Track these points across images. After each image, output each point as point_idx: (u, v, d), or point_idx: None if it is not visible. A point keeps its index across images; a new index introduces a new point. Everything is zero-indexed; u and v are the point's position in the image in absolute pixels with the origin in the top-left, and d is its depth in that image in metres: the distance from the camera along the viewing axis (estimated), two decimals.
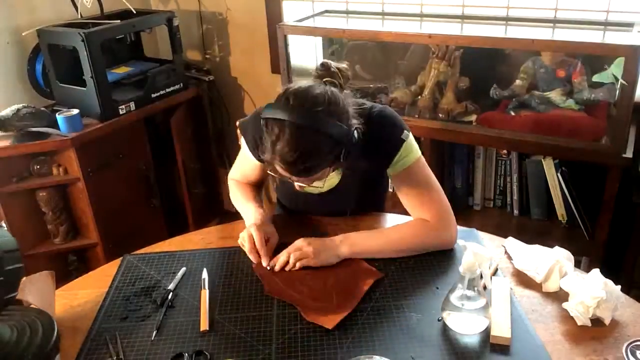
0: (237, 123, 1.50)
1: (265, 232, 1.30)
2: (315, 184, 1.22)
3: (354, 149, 1.17)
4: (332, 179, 1.34)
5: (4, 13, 2.20)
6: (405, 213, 1.36)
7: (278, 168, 1.16)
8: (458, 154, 2.07)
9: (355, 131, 1.15)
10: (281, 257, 1.26)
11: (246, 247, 1.29)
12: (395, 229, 1.32)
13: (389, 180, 1.46)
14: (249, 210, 1.41)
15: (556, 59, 1.85)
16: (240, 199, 1.48)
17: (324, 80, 1.24)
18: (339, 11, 2.36)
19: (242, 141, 1.44)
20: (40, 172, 2.13)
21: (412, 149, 1.30)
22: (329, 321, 1.08)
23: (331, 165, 1.17)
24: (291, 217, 1.53)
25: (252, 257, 1.28)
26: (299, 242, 1.27)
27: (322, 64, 1.28)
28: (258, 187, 1.56)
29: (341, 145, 1.13)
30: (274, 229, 1.34)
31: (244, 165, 1.50)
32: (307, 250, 1.25)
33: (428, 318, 1.09)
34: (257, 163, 1.43)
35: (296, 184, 1.23)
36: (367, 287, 1.17)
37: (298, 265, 1.24)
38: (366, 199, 1.47)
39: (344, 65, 1.30)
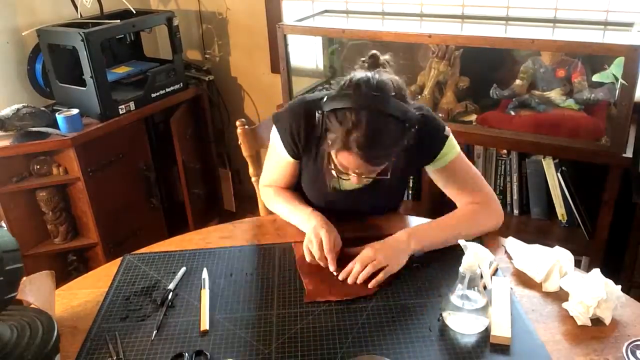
0: (273, 117, 1.40)
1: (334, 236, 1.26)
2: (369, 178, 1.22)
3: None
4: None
5: (4, 13, 2.21)
6: (419, 214, 1.39)
7: (345, 159, 1.15)
8: None
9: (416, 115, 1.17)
10: (355, 269, 1.19)
11: (315, 250, 1.23)
12: (451, 217, 1.32)
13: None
14: (303, 214, 1.35)
15: (556, 59, 1.85)
16: (287, 206, 1.40)
17: (376, 70, 1.23)
18: (339, 11, 2.36)
19: (275, 137, 1.38)
20: (40, 172, 2.13)
21: (453, 145, 1.32)
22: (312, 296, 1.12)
23: (399, 151, 1.17)
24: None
25: (319, 261, 1.23)
26: (369, 253, 1.20)
27: (372, 55, 1.27)
28: (294, 191, 1.48)
29: (411, 130, 1.15)
30: (337, 232, 1.28)
31: (277, 166, 1.43)
32: (382, 259, 1.19)
33: (428, 318, 1.09)
34: (291, 161, 1.38)
35: (354, 177, 1.20)
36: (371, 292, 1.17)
37: (380, 277, 1.17)
38: (392, 196, 1.46)
39: (387, 56, 1.30)
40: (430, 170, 1.35)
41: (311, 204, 1.43)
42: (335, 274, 1.21)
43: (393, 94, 1.13)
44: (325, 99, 1.17)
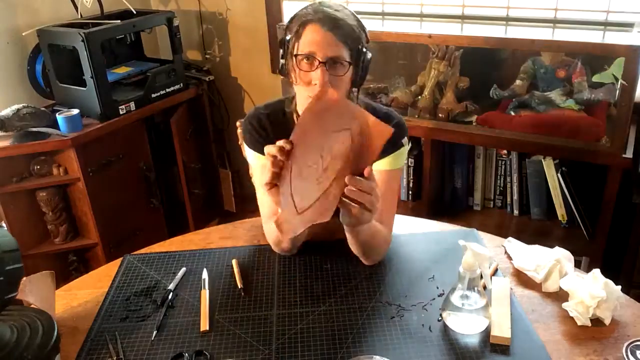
0: (240, 135, 1.40)
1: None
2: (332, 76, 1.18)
3: None
4: None
5: (4, 13, 2.21)
6: (419, 214, 1.40)
7: (307, 38, 1.18)
8: (458, 154, 2.07)
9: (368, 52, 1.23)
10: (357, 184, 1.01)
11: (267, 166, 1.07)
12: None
13: None
14: None
15: (556, 59, 1.85)
16: None
17: None
18: None
19: (250, 155, 1.34)
20: (40, 172, 2.13)
21: (403, 158, 1.31)
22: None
23: (354, 46, 1.19)
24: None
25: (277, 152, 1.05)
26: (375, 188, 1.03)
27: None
28: None
29: (361, 33, 1.22)
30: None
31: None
32: (372, 199, 1.03)
33: (428, 318, 1.09)
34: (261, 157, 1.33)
35: (314, 76, 1.16)
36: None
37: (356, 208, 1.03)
38: None
39: None
40: (372, 167, 1.27)
41: None
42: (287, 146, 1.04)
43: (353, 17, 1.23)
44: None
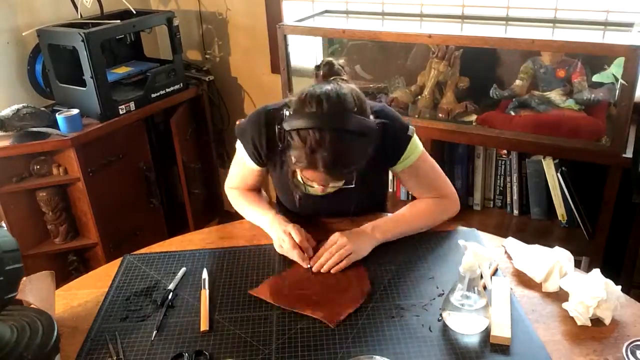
0: (235, 129, 1.44)
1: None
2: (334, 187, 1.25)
3: None
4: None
5: (4, 13, 2.21)
6: None
7: (311, 175, 1.17)
8: (458, 154, 2.07)
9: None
10: (322, 258, 1.24)
11: (286, 245, 1.26)
12: (411, 210, 1.38)
13: (389, 180, 1.47)
14: (266, 217, 1.37)
15: (556, 59, 1.85)
16: (252, 208, 1.43)
17: (333, 78, 1.23)
18: (339, 11, 2.36)
19: (239, 147, 1.42)
20: (40, 172, 2.13)
21: (416, 144, 1.35)
22: (333, 317, 1.09)
23: (365, 162, 1.19)
24: (294, 218, 1.50)
25: (294, 254, 1.24)
26: (335, 238, 1.26)
27: (327, 63, 1.28)
28: (258, 192, 1.54)
29: (372, 142, 1.17)
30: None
31: (242, 172, 1.47)
32: (349, 246, 1.23)
33: (428, 318, 1.09)
34: (255, 168, 1.42)
35: (319, 187, 1.23)
36: (366, 289, 1.17)
37: (344, 263, 1.22)
38: (368, 199, 1.47)
39: (341, 61, 1.32)
40: (396, 170, 1.38)
41: (284, 207, 1.51)
42: (309, 267, 1.24)
43: (355, 108, 1.13)
44: (285, 115, 1.16)
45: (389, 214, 1.46)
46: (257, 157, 1.38)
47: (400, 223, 1.35)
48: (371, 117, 1.19)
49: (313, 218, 1.45)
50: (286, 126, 1.14)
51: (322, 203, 1.42)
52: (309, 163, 1.12)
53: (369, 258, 1.26)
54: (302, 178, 1.25)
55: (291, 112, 1.15)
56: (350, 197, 1.39)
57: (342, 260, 1.23)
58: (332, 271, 1.22)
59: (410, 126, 1.33)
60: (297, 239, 1.27)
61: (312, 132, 1.10)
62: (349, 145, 1.11)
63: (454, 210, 1.42)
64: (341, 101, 1.12)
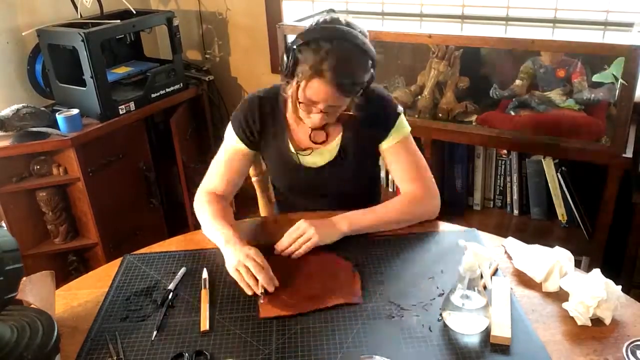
0: (232, 116, 1.46)
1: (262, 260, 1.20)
2: (326, 114, 1.29)
3: (351, 123, 1.35)
4: (330, 151, 1.41)
5: (4, 13, 2.21)
6: None
7: (314, 89, 1.23)
8: (458, 154, 2.07)
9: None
10: (284, 242, 1.28)
11: (251, 270, 1.16)
12: (385, 205, 1.40)
13: (381, 168, 1.51)
14: (222, 232, 1.29)
15: (556, 59, 1.85)
16: (212, 220, 1.35)
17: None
18: (339, 11, 2.35)
19: (227, 135, 1.45)
20: (40, 172, 2.13)
21: (405, 124, 1.43)
22: (265, 312, 1.11)
23: (363, 85, 1.28)
24: (290, 218, 1.51)
25: (262, 277, 1.15)
26: (299, 224, 1.30)
27: (329, 10, 1.38)
28: (227, 206, 1.43)
29: (373, 69, 1.28)
30: (263, 258, 1.21)
31: (226, 163, 1.43)
32: (310, 232, 1.27)
33: (428, 318, 1.09)
34: (243, 151, 1.43)
35: (312, 118, 1.30)
36: (332, 303, 1.12)
37: (304, 249, 1.26)
38: (361, 178, 1.50)
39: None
40: (383, 148, 1.42)
41: (285, 195, 1.56)
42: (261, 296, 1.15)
43: (364, 31, 1.27)
44: (295, 37, 1.26)
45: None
46: (249, 136, 1.42)
47: (370, 216, 1.36)
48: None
49: (305, 215, 1.41)
50: (297, 42, 1.24)
51: (316, 177, 1.45)
52: (317, 71, 1.21)
53: (367, 257, 1.26)
54: (293, 149, 1.33)
55: (302, 33, 1.26)
56: (343, 173, 1.44)
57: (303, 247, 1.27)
58: (292, 256, 1.27)
59: (399, 105, 1.42)
60: (260, 264, 1.17)
61: (323, 42, 1.21)
62: (354, 57, 1.23)
63: (432, 206, 1.40)
64: (351, 24, 1.27)
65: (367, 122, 1.38)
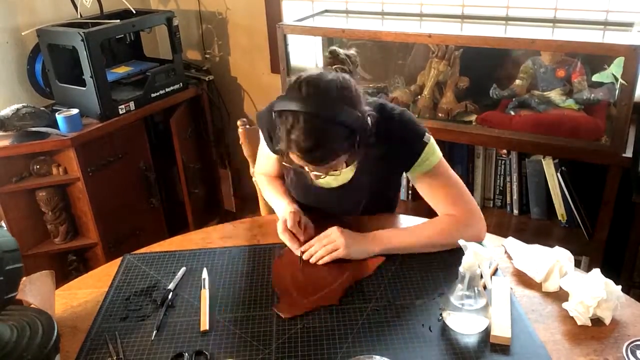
0: (255, 114, 1.53)
1: (301, 218, 1.33)
2: (330, 175, 1.24)
3: (372, 148, 1.21)
4: (345, 174, 1.34)
5: (4, 13, 2.20)
6: (419, 214, 1.39)
7: (293, 157, 1.17)
8: (458, 154, 2.07)
9: (369, 117, 1.17)
10: (313, 247, 1.28)
11: (279, 229, 1.32)
12: (424, 226, 1.32)
13: (401, 182, 1.48)
14: (281, 204, 1.43)
15: (556, 59, 1.85)
16: (272, 193, 1.50)
17: (334, 67, 1.27)
18: (339, 11, 2.36)
19: (260, 133, 1.47)
20: (40, 172, 2.13)
21: (434, 152, 1.31)
22: (288, 312, 1.12)
23: (347, 152, 1.17)
24: (308, 212, 1.46)
25: (284, 238, 1.30)
26: (331, 231, 1.28)
27: (331, 52, 1.31)
28: (283, 181, 1.57)
29: (355, 131, 1.13)
30: (309, 219, 1.36)
31: (264, 158, 1.53)
32: (339, 242, 1.25)
33: (428, 318, 1.09)
34: (273, 155, 1.46)
35: (312, 174, 1.23)
36: (372, 269, 1.22)
37: (327, 259, 1.25)
38: (378, 198, 1.46)
39: (352, 51, 1.33)
40: (413, 176, 1.34)
41: (301, 200, 1.50)
42: (299, 253, 1.28)
43: (334, 95, 1.12)
44: (277, 98, 1.20)
45: (400, 215, 1.46)
46: (271, 146, 1.42)
47: (404, 237, 1.30)
48: (366, 107, 1.18)
49: (320, 212, 1.43)
50: (274, 107, 1.18)
51: (329, 197, 1.42)
52: (286, 145, 1.14)
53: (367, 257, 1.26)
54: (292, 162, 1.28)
55: (281, 95, 1.19)
56: (358, 195, 1.39)
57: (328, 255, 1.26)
58: (316, 263, 1.26)
59: (427, 133, 1.30)
60: (289, 224, 1.31)
61: (288, 115, 1.12)
62: (322, 131, 1.10)
63: (478, 231, 1.30)
64: (321, 87, 1.12)
65: (389, 151, 1.27)
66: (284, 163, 1.25)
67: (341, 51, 1.31)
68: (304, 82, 1.13)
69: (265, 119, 1.37)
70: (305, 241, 1.30)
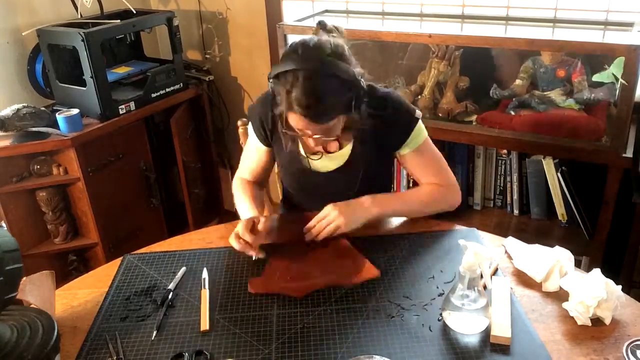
0: (247, 108, 1.52)
1: (255, 223, 1.29)
2: (326, 156, 1.29)
3: (366, 121, 1.27)
4: (341, 156, 1.39)
5: (4, 13, 2.21)
6: None
7: (293, 120, 1.20)
8: (458, 154, 2.07)
9: (362, 80, 1.22)
10: (314, 229, 1.29)
11: (231, 235, 1.29)
12: (413, 191, 1.43)
13: (394, 167, 1.52)
14: (245, 211, 1.42)
15: (556, 59, 1.85)
16: (240, 199, 1.48)
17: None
18: (339, 11, 2.36)
19: (249, 128, 1.47)
20: (40, 172, 2.13)
21: (421, 130, 1.40)
22: (298, 291, 1.14)
23: (345, 113, 1.22)
24: (296, 216, 1.49)
25: (234, 244, 1.27)
26: (328, 210, 1.30)
27: (319, 22, 1.35)
28: (260, 186, 1.57)
29: (352, 89, 1.20)
30: (267, 219, 1.35)
31: (250, 156, 1.52)
32: (339, 221, 1.27)
33: (428, 318, 1.09)
34: (262, 148, 1.46)
35: (312, 139, 1.26)
36: (360, 281, 1.19)
37: (326, 232, 1.27)
38: (371, 183, 1.47)
39: (337, 24, 1.38)
40: (401, 154, 1.41)
41: (291, 194, 1.55)
42: (256, 257, 1.27)
43: (329, 52, 1.19)
44: (273, 66, 1.24)
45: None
46: (263, 135, 1.43)
47: (399, 201, 1.39)
48: (357, 69, 1.23)
49: (309, 215, 1.44)
50: (270, 75, 1.21)
51: (325, 181, 1.44)
52: (288, 105, 1.18)
53: (367, 257, 1.26)
54: (303, 151, 1.31)
55: (279, 63, 1.22)
56: (354, 177, 1.41)
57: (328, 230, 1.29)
58: (319, 237, 1.28)
59: (417, 110, 1.37)
60: (240, 231, 1.27)
61: (287, 75, 1.17)
62: (322, 86, 1.16)
63: (455, 200, 1.43)
64: (316, 47, 1.19)
65: (381, 131, 1.34)
66: (283, 131, 1.28)
67: (329, 22, 1.35)
68: (299, 44, 1.19)
69: (258, 106, 1.41)
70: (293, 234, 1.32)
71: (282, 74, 1.18)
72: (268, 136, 1.43)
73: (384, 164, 1.51)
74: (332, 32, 1.33)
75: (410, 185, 2.19)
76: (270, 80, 1.22)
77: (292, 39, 2.17)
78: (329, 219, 1.29)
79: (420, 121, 1.38)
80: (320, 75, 1.16)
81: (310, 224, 1.31)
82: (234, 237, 1.28)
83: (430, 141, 1.42)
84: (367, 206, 1.32)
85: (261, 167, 1.53)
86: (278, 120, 1.34)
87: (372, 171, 1.44)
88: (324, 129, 1.23)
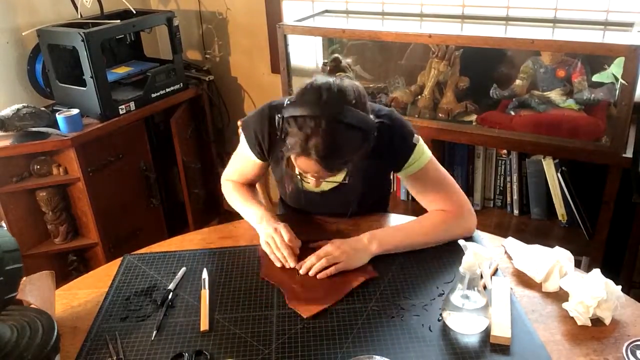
0: (239, 122, 1.49)
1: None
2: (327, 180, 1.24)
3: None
4: (337, 177, 1.34)
5: (4, 13, 2.21)
6: (419, 214, 1.37)
7: (303, 163, 1.16)
8: (458, 154, 2.07)
9: (375, 118, 1.18)
10: (309, 261, 1.23)
11: (276, 243, 1.27)
12: (417, 222, 1.34)
13: (392, 182, 1.47)
14: (255, 211, 1.39)
15: (556, 59, 1.85)
16: (243, 202, 1.45)
17: (337, 74, 1.27)
18: (339, 11, 2.36)
19: (242, 140, 1.43)
20: (40, 172, 2.13)
21: (423, 152, 1.32)
22: (307, 311, 1.11)
23: (356, 158, 1.18)
24: (295, 217, 1.50)
25: (284, 252, 1.25)
26: (329, 248, 1.24)
27: (334, 59, 1.32)
28: (253, 187, 1.56)
29: (369, 139, 1.16)
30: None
31: (242, 164, 1.48)
32: (338, 255, 1.22)
33: (428, 318, 1.09)
34: (257, 161, 1.43)
35: (312, 179, 1.23)
36: (357, 283, 1.18)
37: (330, 270, 1.21)
38: (369, 199, 1.46)
39: (349, 60, 1.33)
40: (403, 177, 1.36)
41: (285, 203, 1.52)
42: (294, 267, 1.24)
43: (353, 101, 1.13)
44: (286, 104, 1.17)
45: (391, 214, 1.45)
46: (259, 151, 1.39)
47: (401, 235, 1.30)
48: (371, 116, 1.18)
49: (311, 216, 1.45)
50: (285, 113, 1.15)
51: (321, 200, 1.42)
52: (303, 150, 1.12)
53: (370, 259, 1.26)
54: (298, 170, 1.25)
55: (292, 101, 1.17)
56: (350, 196, 1.39)
57: (329, 267, 1.22)
58: (317, 276, 1.21)
59: (415, 134, 1.31)
60: (286, 237, 1.27)
61: (308, 120, 1.11)
62: (343, 136, 1.11)
63: (469, 224, 1.33)
64: (341, 93, 1.13)
65: (376, 155, 1.24)
66: (285, 167, 1.26)
67: (343, 59, 1.32)
68: (323, 89, 1.13)
69: (255, 123, 1.36)
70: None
71: (300, 117, 1.12)
72: (265, 153, 1.39)
73: (382, 182, 1.49)
74: (345, 70, 1.31)
75: (409, 197, 2.19)
76: (284, 118, 1.15)
77: (293, 39, 2.17)
78: (329, 260, 1.22)
79: (420, 142, 1.32)
80: (342, 126, 1.11)
81: (309, 262, 1.24)
82: (279, 244, 1.26)
83: (436, 161, 1.35)
84: (366, 245, 1.26)
85: (254, 174, 1.50)
86: (275, 140, 1.29)
87: (369, 189, 1.40)
88: (332, 177, 1.22)
